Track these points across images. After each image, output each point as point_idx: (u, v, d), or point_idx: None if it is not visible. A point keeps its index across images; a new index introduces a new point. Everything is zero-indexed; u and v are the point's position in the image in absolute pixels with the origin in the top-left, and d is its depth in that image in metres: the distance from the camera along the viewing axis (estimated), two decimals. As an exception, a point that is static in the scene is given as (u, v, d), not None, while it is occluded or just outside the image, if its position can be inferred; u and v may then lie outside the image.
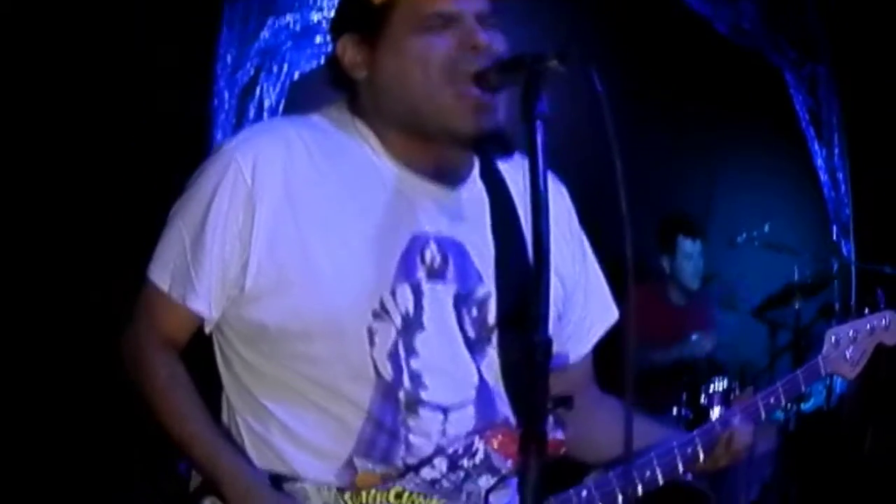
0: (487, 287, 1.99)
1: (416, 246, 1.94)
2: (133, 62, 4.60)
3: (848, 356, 2.51)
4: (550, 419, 1.85)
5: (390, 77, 1.95)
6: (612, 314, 2.25)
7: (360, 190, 1.95)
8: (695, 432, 2.24)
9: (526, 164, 1.77)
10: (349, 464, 1.90)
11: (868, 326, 2.55)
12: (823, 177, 6.84)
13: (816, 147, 6.84)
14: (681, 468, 2.19)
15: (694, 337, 5.40)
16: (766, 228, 5.62)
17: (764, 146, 6.78)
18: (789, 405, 5.37)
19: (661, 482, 2.16)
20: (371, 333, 1.89)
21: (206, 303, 1.93)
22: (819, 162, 6.84)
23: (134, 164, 4.57)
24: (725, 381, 5.03)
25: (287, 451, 1.92)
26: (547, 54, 1.69)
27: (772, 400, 2.36)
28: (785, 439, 5.38)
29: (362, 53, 1.98)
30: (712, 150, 6.75)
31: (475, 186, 2.05)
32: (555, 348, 1.97)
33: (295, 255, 1.88)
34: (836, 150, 6.86)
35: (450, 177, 2.01)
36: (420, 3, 1.93)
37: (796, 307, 5.66)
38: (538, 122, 1.65)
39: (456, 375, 1.95)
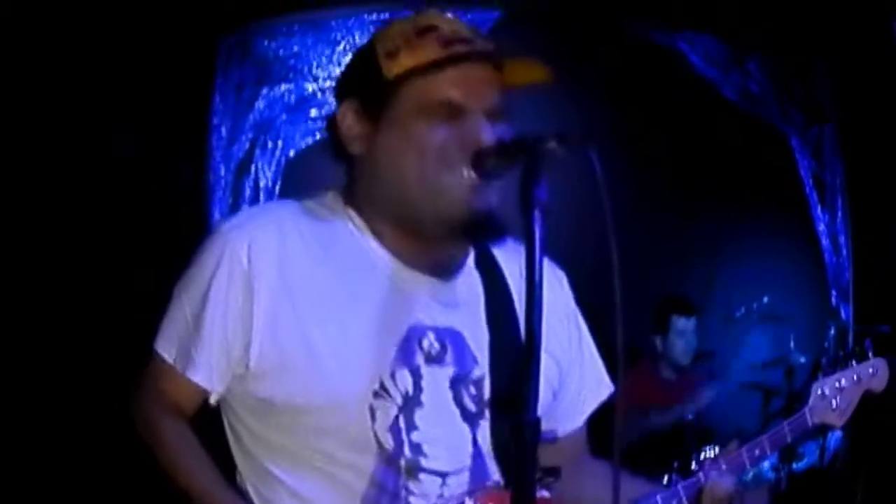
0: (482, 369, 2.07)
1: (413, 335, 2.01)
2: (127, 132, 4.69)
3: (835, 406, 2.53)
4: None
5: (386, 157, 1.97)
6: (605, 388, 2.30)
7: (355, 279, 1.99)
8: (679, 485, 2.32)
9: (521, 250, 1.78)
10: None
11: (855, 376, 2.58)
12: (825, 242, 6.88)
13: (819, 212, 6.89)
14: None
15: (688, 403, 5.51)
16: (765, 300, 5.71)
17: (765, 216, 6.86)
18: (783, 465, 5.42)
19: None
20: (372, 410, 1.96)
21: (207, 377, 2.01)
22: (821, 227, 6.89)
23: (132, 239, 4.65)
24: (717, 449, 5.10)
25: None
26: (546, 136, 1.70)
27: (756, 452, 2.41)
28: (777, 499, 5.45)
29: (362, 125, 1.99)
30: (715, 225, 6.83)
31: (470, 276, 2.10)
32: (547, 424, 2.04)
33: (295, 340, 1.94)
34: (839, 214, 6.90)
35: (444, 269, 2.06)
36: (431, 88, 1.93)
37: (790, 371, 5.73)
38: (536, 212, 1.66)
39: (453, 445, 2.03)
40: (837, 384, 2.55)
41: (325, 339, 1.95)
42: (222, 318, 1.96)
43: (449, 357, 2.03)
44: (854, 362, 2.61)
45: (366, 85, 1.99)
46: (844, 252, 6.89)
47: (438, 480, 2.01)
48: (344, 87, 2.06)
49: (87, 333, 4.60)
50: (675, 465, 5.21)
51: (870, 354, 2.64)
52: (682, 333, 5.84)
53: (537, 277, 1.66)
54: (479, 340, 2.07)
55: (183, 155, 4.95)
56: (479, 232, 2.00)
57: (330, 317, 1.96)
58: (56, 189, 4.63)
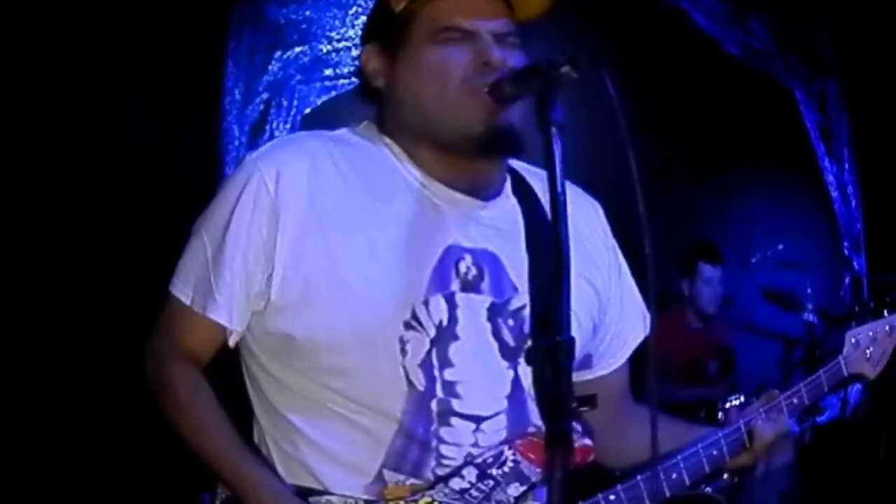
0: (522, 299, 1.98)
1: (450, 257, 1.93)
2: (140, 101, 4.69)
3: (868, 355, 2.51)
4: (579, 427, 1.96)
5: (406, 86, 1.98)
6: (644, 328, 2.24)
7: (390, 200, 1.94)
8: (719, 433, 2.24)
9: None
10: (379, 477, 1.89)
11: (887, 327, 2.56)
12: (834, 193, 6.90)
13: (827, 164, 6.91)
14: (707, 469, 2.19)
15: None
16: (780, 247, 5.74)
17: (776, 167, 6.90)
18: (805, 418, 5.45)
19: (687, 483, 2.16)
20: (403, 343, 1.87)
21: (227, 313, 1.92)
22: (830, 178, 6.91)
23: (145, 201, 4.63)
24: (742, 398, 5.14)
25: (316, 467, 1.90)
26: (559, 60, 1.71)
27: (794, 400, 2.36)
28: (801, 451, 5.46)
29: (382, 63, 2.01)
30: (727, 175, 6.87)
31: (508, 201, 2.06)
32: (593, 358, 2.16)
33: (321, 266, 1.87)
34: (847, 166, 6.93)
35: (482, 191, 2.02)
36: (438, 15, 1.96)
37: (810, 320, 5.75)
38: (553, 130, 1.66)
39: (490, 386, 1.93)
40: (871, 333, 2.54)
41: (354, 264, 1.87)
42: (244, 250, 1.89)
43: (486, 284, 1.95)
44: (886, 312, 2.60)
45: (380, 24, 2.03)
46: (853, 203, 6.91)
47: (472, 426, 1.91)
48: (365, 34, 2.10)
49: (96, 316, 4.57)
50: (701, 414, 5.30)
51: None
52: (709, 282, 5.86)
53: (560, 192, 1.65)
54: (518, 268, 1.99)
55: (196, 125, 4.93)
56: (502, 146, 1.98)
57: (361, 241, 1.89)
58: (68, 160, 4.63)
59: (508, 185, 2.08)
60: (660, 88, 6.43)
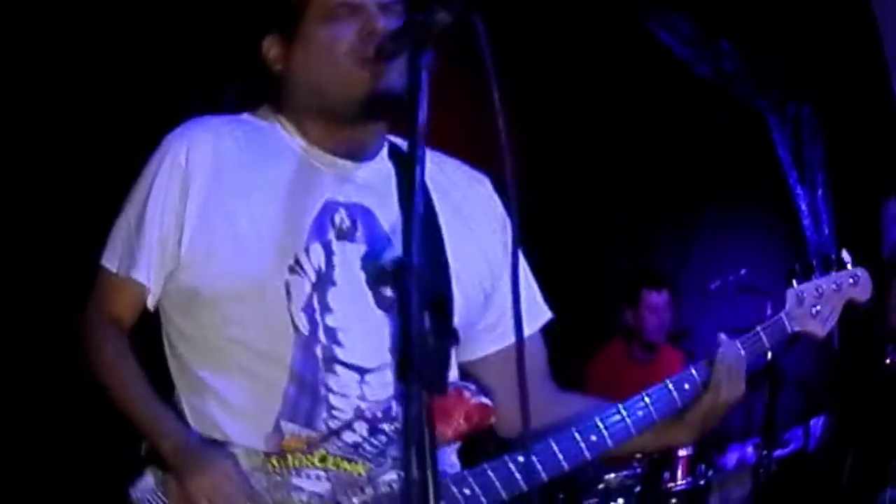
0: (396, 251, 1.96)
1: (327, 211, 2.12)
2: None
3: (815, 312, 2.41)
4: (472, 385, 2.09)
5: (300, 65, 2.17)
6: (543, 312, 2.34)
7: (277, 166, 2.15)
8: (691, 367, 2.25)
9: (440, 156, 2.20)
10: (276, 428, 2.04)
11: (834, 284, 2.45)
12: (806, 220, 6.78)
13: (799, 190, 6.80)
14: (654, 416, 2.20)
15: None
16: (742, 272, 5.53)
17: (743, 192, 6.76)
18: (763, 453, 5.24)
19: (633, 433, 2.19)
20: (288, 287, 2.05)
21: (146, 273, 2.11)
22: (801, 206, 6.80)
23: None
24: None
25: (221, 419, 2.07)
26: (433, 8, 1.78)
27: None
28: (762, 483, 5.24)
29: (281, 49, 2.19)
30: (689, 201, 6.74)
31: (384, 164, 2.22)
32: (486, 338, 2.26)
33: (222, 223, 2.07)
34: (820, 192, 6.81)
35: (358, 154, 2.19)
36: None
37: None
38: (423, 74, 1.71)
39: (370, 335, 2.08)
40: (817, 290, 2.41)
41: (249, 218, 2.08)
42: (160, 217, 2.10)
43: (360, 234, 2.13)
44: (833, 272, 2.48)
45: (277, 14, 2.20)
46: (826, 231, 6.79)
47: (356, 377, 2.06)
48: (263, 27, 2.24)
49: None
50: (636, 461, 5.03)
51: (848, 265, 2.50)
52: (654, 309, 5.71)
53: (420, 123, 1.67)
54: (392, 223, 2.14)
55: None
56: (384, 109, 2.12)
57: (255, 202, 2.09)
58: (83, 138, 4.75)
59: (385, 151, 2.24)
60: (625, 110, 6.37)
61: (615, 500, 4.88)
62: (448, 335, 2.10)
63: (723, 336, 2.27)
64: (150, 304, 2.15)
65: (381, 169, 2.21)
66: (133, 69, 4.85)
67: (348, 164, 2.18)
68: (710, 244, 6.77)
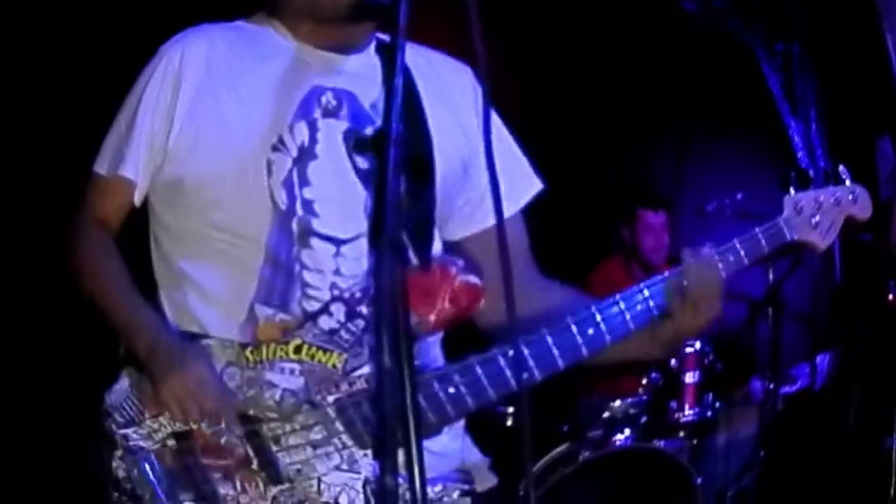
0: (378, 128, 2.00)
1: (314, 94, 2.14)
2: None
3: (814, 223, 2.32)
4: (460, 261, 2.02)
5: None
6: (533, 184, 2.31)
7: (268, 61, 2.17)
8: (642, 284, 2.14)
9: (420, 48, 2.22)
10: (251, 314, 2.03)
11: (833, 197, 2.35)
12: (800, 153, 6.70)
13: (792, 123, 6.72)
14: (631, 325, 2.08)
15: None
16: (738, 197, 5.37)
17: (737, 121, 6.69)
18: (769, 387, 5.09)
19: (607, 341, 2.06)
20: (269, 164, 2.06)
21: (133, 168, 2.12)
22: (795, 139, 6.71)
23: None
24: (697, 344, 4.84)
25: (198, 309, 2.08)
26: None
27: (730, 257, 2.18)
28: (768, 421, 5.18)
29: None
30: (683, 127, 6.69)
31: (370, 58, 2.23)
32: (474, 207, 2.24)
33: (211, 113, 2.09)
34: (814, 126, 6.73)
35: (347, 48, 2.21)
36: None
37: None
38: None
39: (347, 205, 2.07)
40: (815, 201, 2.32)
41: (238, 108, 2.09)
42: (151, 115, 2.11)
43: (344, 112, 2.14)
44: (831, 185, 2.39)
45: None
46: (822, 164, 6.72)
47: (332, 249, 2.04)
48: None
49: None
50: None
51: (847, 181, 2.41)
52: (650, 228, 5.65)
53: (401, 22, 1.63)
54: (376, 107, 2.15)
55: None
56: (371, 14, 2.11)
57: (244, 92, 2.11)
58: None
59: (373, 46, 2.25)
60: (617, 42, 6.33)
61: (621, 431, 4.71)
62: (428, 199, 2.10)
63: (687, 254, 2.15)
64: (137, 199, 2.16)
65: (368, 61, 2.23)
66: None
67: (336, 57, 2.20)
68: (706, 169, 6.69)
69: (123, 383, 2.06)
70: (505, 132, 2.33)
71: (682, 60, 6.45)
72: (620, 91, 6.17)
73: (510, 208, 2.24)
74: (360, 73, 2.20)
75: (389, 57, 2.04)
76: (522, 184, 2.31)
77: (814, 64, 6.83)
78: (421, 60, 2.26)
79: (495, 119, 2.25)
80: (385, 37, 2.24)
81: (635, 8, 6.37)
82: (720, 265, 2.15)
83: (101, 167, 2.19)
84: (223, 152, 2.07)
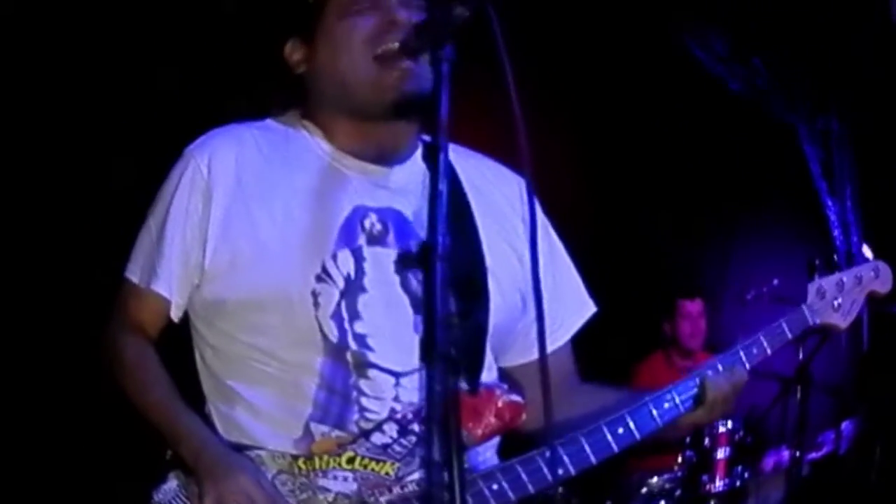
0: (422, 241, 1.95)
1: (356, 216, 2.06)
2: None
3: (836, 305, 2.41)
4: (504, 384, 2.07)
5: (322, 63, 2.12)
6: (587, 307, 2.30)
7: (303, 172, 2.09)
8: (670, 387, 2.17)
9: (475, 154, 2.17)
10: (306, 431, 2.00)
11: (854, 277, 2.46)
12: (836, 231, 6.91)
13: (829, 202, 6.92)
14: (659, 422, 2.13)
15: None
16: (775, 282, 5.70)
17: (777, 204, 6.89)
18: (796, 455, 5.41)
19: (637, 438, 2.11)
20: (315, 296, 2.00)
21: (167, 285, 2.08)
22: (832, 217, 6.92)
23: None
24: (729, 423, 5.15)
25: (250, 425, 2.03)
26: (452, 3, 1.76)
27: (754, 350, 2.26)
28: (795, 487, 5.41)
29: (303, 51, 2.15)
30: (729, 213, 6.87)
31: (416, 165, 2.14)
32: (522, 344, 2.20)
33: (246, 232, 2.03)
34: (849, 203, 6.93)
35: (390, 157, 2.14)
36: None
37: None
38: (444, 65, 1.72)
39: (402, 340, 2.01)
40: (838, 283, 2.43)
41: (272, 227, 2.03)
42: (182, 229, 2.07)
43: (391, 238, 2.07)
44: (854, 266, 2.51)
45: (296, 18, 2.17)
46: (855, 239, 6.89)
47: (391, 380, 2.01)
48: (282, 32, 2.21)
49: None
50: (687, 439, 5.26)
51: (869, 257, 2.54)
52: (688, 316, 5.96)
53: (443, 116, 1.68)
54: (424, 223, 1.93)
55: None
56: (413, 108, 2.06)
57: (277, 208, 2.05)
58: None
59: (419, 153, 2.17)
60: (662, 127, 6.51)
61: (657, 504, 5.09)
62: (479, 322, 2.07)
63: (708, 373, 2.19)
64: (175, 315, 2.12)
65: (414, 171, 2.13)
66: (156, 79, 4.85)
67: (379, 169, 2.12)
68: (748, 256, 6.89)
69: (172, 484, 2.05)
70: (558, 248, 2.29)
71: (722, 148, 6.64)
72: (663, 179, 6.39)
73: (563, 337, 2.27)
74: (407, 188, 2.11)
75: (434, 160, 2.05)
76: (576, 311, 2.29)
77: (851, 138, 6.98)
78: (471, 169, 2.20)
79: (549, 233, 2.27)
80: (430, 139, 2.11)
81: (680, 94, 6.54)
82: (744, 358, 2.23)
83: (133, 275, 2.13)
84: (262, 279, 2.01)
